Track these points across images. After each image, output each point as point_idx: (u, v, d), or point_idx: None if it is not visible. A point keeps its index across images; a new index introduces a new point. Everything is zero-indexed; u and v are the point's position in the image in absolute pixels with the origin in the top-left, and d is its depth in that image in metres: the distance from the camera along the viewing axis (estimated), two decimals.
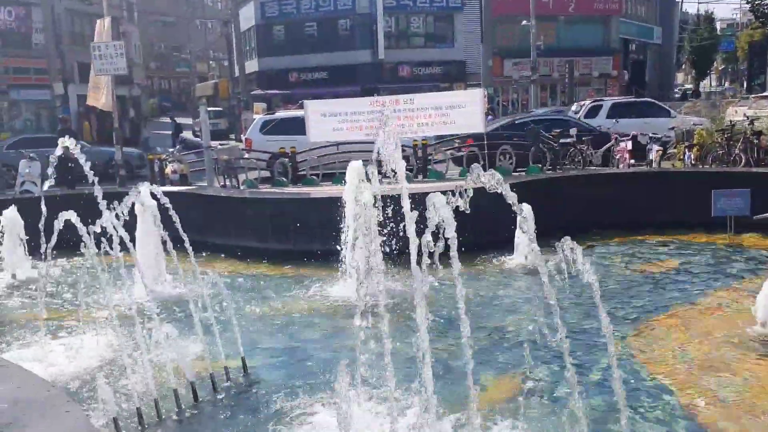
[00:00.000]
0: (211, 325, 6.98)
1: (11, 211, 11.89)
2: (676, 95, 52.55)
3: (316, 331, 8.47)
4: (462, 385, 5.67)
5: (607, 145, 17.19)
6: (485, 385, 6.46)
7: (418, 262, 4.36)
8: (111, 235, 6.23)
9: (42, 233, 8.01)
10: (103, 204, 6.29)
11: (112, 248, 6.23)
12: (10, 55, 34.91)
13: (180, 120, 38.99)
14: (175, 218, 7.01)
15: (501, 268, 10.75)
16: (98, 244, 6.37)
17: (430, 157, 16.58)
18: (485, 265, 10.81)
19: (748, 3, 43.47)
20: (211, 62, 64.45)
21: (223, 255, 12.10)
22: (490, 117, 21.59)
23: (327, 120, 15.68)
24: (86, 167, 7.11)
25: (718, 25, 71.32)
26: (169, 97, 54.15)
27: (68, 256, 11.12)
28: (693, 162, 15.33)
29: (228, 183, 16.82)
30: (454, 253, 4.33)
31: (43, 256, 7.87)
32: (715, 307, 8.53)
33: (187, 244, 7.06)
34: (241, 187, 16.22)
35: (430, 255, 4.32)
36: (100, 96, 18.51)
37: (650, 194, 12.79)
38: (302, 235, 12.16)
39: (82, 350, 7.83)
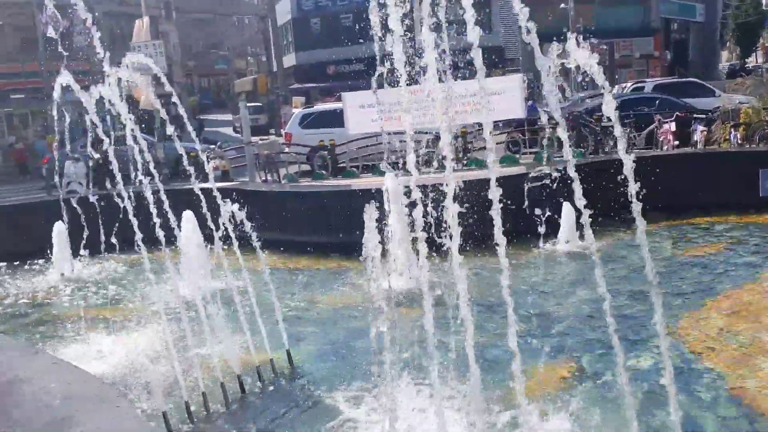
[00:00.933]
0: (257, 318, 7.06)
1: (59, 225, 12.34)
2: (724, 74, 51.04)
3: (359, 323, 8.50)
4: (509, 372, 5.65)
5: (650, 128, 16.80)
6: (533, 370, 6.41)
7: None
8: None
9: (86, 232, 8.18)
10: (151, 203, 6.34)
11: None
12: (53, 59, 35.66)
13: (220, 117, 39.43)
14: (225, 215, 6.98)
15: (544, 253, 10.64)
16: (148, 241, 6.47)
17: (469, 145, 16.46)
18: (529, 251, 10.71)
19: None
20: (249, 58, 64.91)
21: (275, 248, 12.07)
22: (530, 102, 21.29)
23: (365, 111, 15.67)
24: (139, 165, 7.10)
25: (764, 0, 69.04)
26: (209, 94, 54.68)
27: (116, 254, 11.36)
28: (740, 141, 14.88)
29: (269, 177, 16.95)
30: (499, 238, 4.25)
31: (80, 255, 8.03)
32: (764, 290, 8.30)
33: (233, 240, 7.12)
34: (282, 182, 16.34)
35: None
36: (142, 95, 18.80)
37: (696, 176, 12.48)
38: (344, 227, 12.19)
39: (131, 345, 8.01)
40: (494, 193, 4.06)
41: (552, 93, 4.47)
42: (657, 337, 4.37)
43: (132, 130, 6.58)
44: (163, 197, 6.57)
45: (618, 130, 4.38)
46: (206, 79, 59.02)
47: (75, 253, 12.29)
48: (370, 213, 4.76)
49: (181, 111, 7.35)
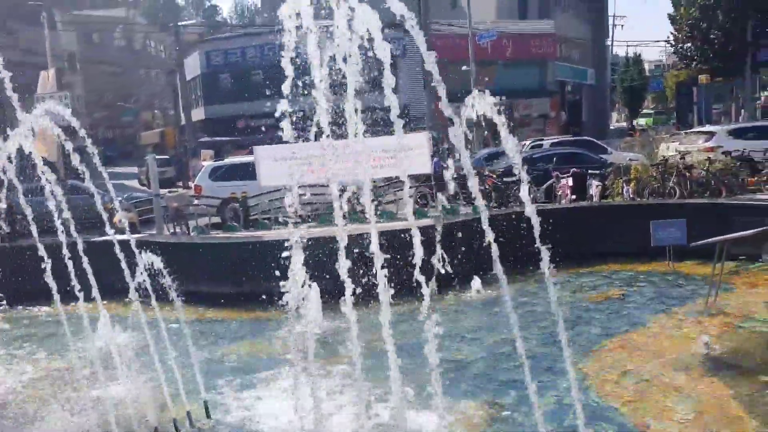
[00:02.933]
0: (173, 370, 6.99)
1: None
2: (613, 131, 54.46)
3: (275, 372, 8.51)
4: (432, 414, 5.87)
5: (549, 182, 17.78)
6: (451, 414, 6.64)
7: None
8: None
9: None
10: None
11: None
12: None
13: (126, 169, 38.57)
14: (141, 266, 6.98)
15: (457, 300, 11.05)
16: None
17: (380, 198, 16.91)
18: (442, 298, 11.09)
19: (672, 46, 45.72)
20: (156, 111, 64.00)
21: (187, 300, 11.89)
22: (435, 159, 22.13)
23: (278, 164, 15.85)
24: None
25: (646, 66, 74.48)
26: (114, 146, 53.41)
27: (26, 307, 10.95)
28: (631, 196, 15.97)
29: (178, 230, 16.74)
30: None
31: None
32: (660, 331, 8.94)
33: (149, 290, 7.08)
34: (192, 234, 16.18)
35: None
36: (46, 147, 18.31)
37: (593, 227, 13.31)
38: (258, 279, 12.20)
39: (43, 398, 7.72)
40: (416, 244, 4.35)
41: (461, 147, 4.82)
42: (564, 377, 4.70)
43: (44, 175, 6.54)
44: (79, 249, 6.51)
45: (524, 184, 4.76)
46: (112, 131, 57.71)
47: None
48: (293, 263, 4.92)
49: (101, 168, 7.33)
